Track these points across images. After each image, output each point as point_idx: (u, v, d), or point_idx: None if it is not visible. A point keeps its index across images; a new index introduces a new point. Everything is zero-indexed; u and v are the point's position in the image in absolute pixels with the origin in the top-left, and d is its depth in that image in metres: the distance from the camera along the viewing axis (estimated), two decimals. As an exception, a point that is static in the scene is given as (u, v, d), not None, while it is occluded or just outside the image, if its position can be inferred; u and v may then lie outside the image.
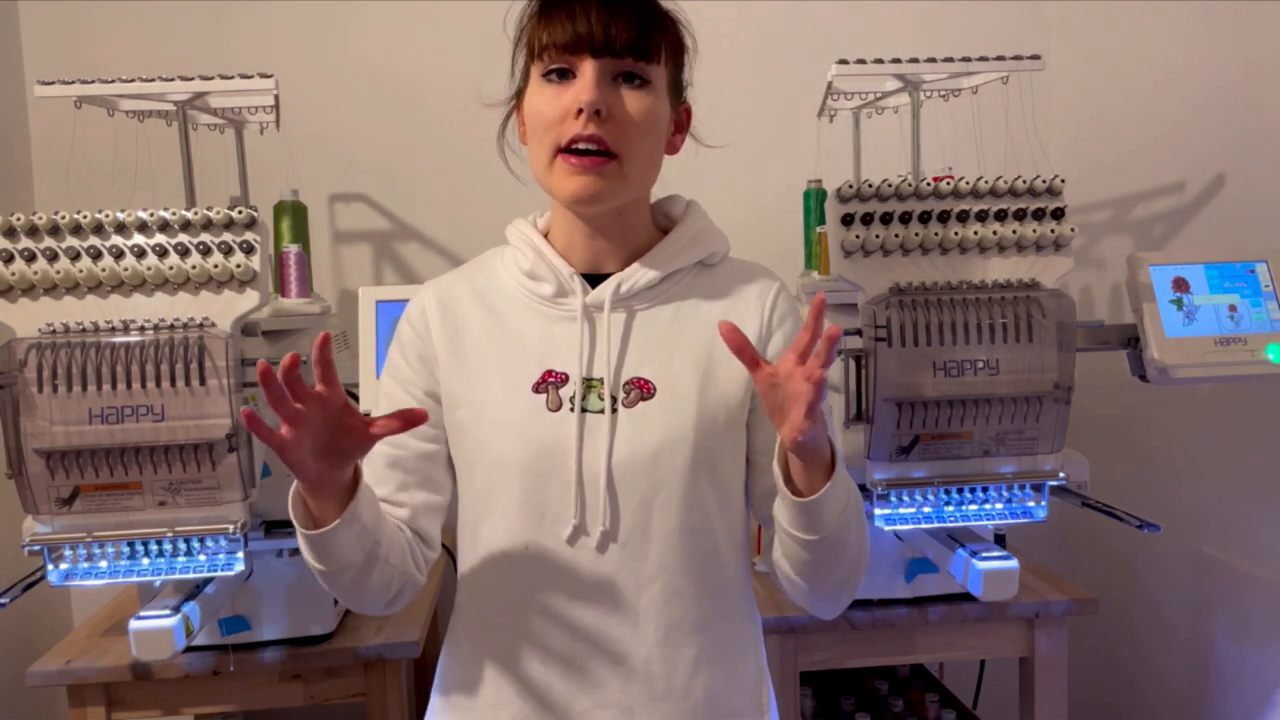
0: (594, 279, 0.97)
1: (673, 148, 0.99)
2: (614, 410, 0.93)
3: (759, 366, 0.83)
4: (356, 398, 1.43)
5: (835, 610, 0.99)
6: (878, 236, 1.35)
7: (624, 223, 0.97)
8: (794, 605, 1.30)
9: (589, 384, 0.94)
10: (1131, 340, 1.49)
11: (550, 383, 0.94)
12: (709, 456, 0.94)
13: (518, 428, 0.92)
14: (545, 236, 1.00)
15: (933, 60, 1.53)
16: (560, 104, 0.88)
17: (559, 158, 0.89)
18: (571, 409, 0.93)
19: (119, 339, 1.25)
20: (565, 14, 0.88)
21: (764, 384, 0.83)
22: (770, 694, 1.03)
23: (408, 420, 0.82)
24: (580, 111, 0.87)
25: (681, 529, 0.93)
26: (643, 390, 0.94)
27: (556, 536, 0.92)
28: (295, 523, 0.88)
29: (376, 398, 1.02)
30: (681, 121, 0.99)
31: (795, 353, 0.82)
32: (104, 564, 1.28)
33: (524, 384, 0.94)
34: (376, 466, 0.99)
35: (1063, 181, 1.40)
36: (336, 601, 1.58)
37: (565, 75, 0.89)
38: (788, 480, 0.88)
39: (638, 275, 0.96)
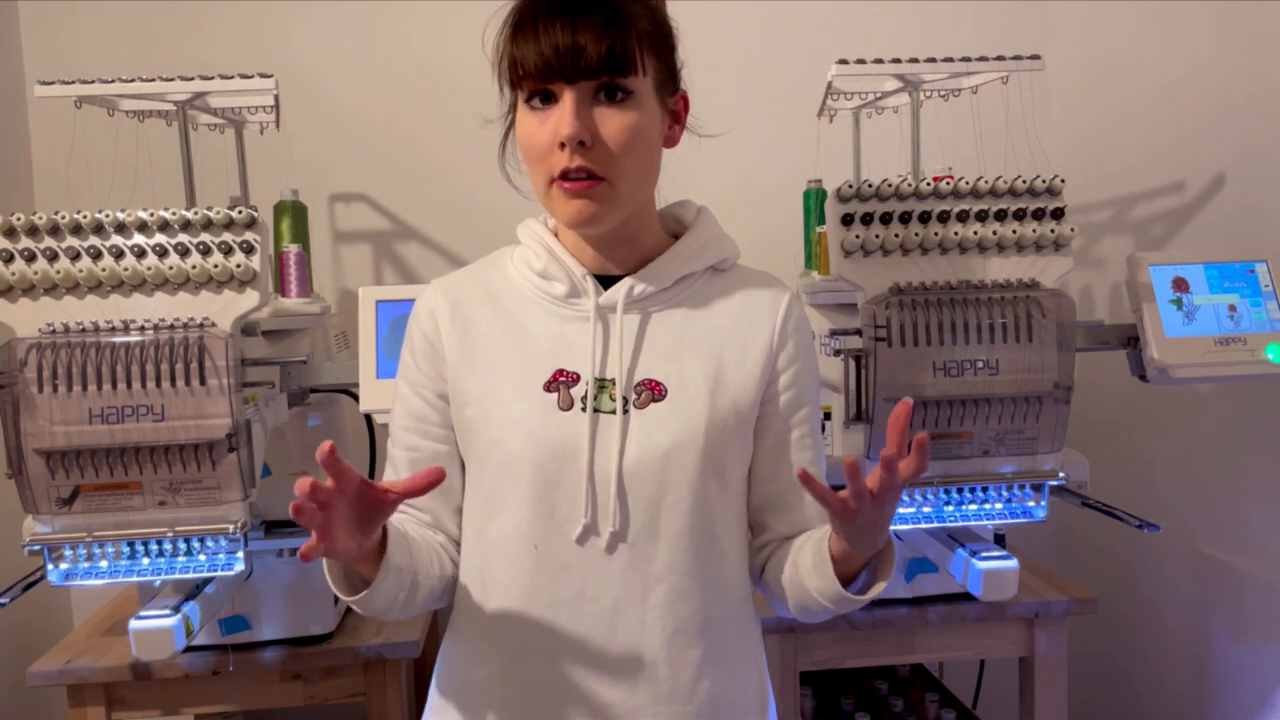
0: (604, 280, 0.98)
1: (670, 141, 0.98)
2: (625, 411, 0.93)
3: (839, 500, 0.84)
4: (356, 398, 1.43)
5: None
6: (878, 236, 1.35)
7: (629, 231, 0.97)
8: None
9: (601, 384, 0.94)
10: (1131, 340, 1.49)
11: (561, 382, 0.94)
12: (718, 459, 0.94)
13: (529, 426, 0.93)
14: (555, 236, 1.00)
15: (933, 60, 1.53)
16: (545, 134, 0.88)
17: (554, 185, 0.90)
18: (583, 409, 0.93)
19: (119, 339, 1.25)
20: (533, 37, 0.87)
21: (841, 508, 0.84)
22: (770, 696, 1.04)
23: (425, 483, 0.81)
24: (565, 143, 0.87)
25: (689, 530, 0.93)
26: (654, 392, 0.94)
27: (566, 536, 0.92)
28: (339, 593, 0.89)
29: (392, 400, 1.03)
30: (679, 112, 0.98)
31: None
32: (104, 564, 1.28)
33: (535, 383, 0.94)
34: (400, 470, 1.00)
35: (1062, 181, 1.40)
36: (336, 601, 1.58)
37: (548, 99, 0.89)
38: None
39: (650, 278, 0.97)
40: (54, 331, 1.26)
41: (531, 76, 0.87)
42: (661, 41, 0.94)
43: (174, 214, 1.29)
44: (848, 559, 0.91)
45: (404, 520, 0.99)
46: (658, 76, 0.93)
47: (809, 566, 0.94)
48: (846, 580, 0.92)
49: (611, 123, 0.88)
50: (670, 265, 0.98)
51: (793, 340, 0.99)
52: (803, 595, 0.96)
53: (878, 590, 0.92)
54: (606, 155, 0.88)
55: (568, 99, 0.87)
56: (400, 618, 0.97)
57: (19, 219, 1.27)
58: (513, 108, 0.95)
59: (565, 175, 0.88)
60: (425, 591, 0.96)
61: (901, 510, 1.38)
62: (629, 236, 0.97)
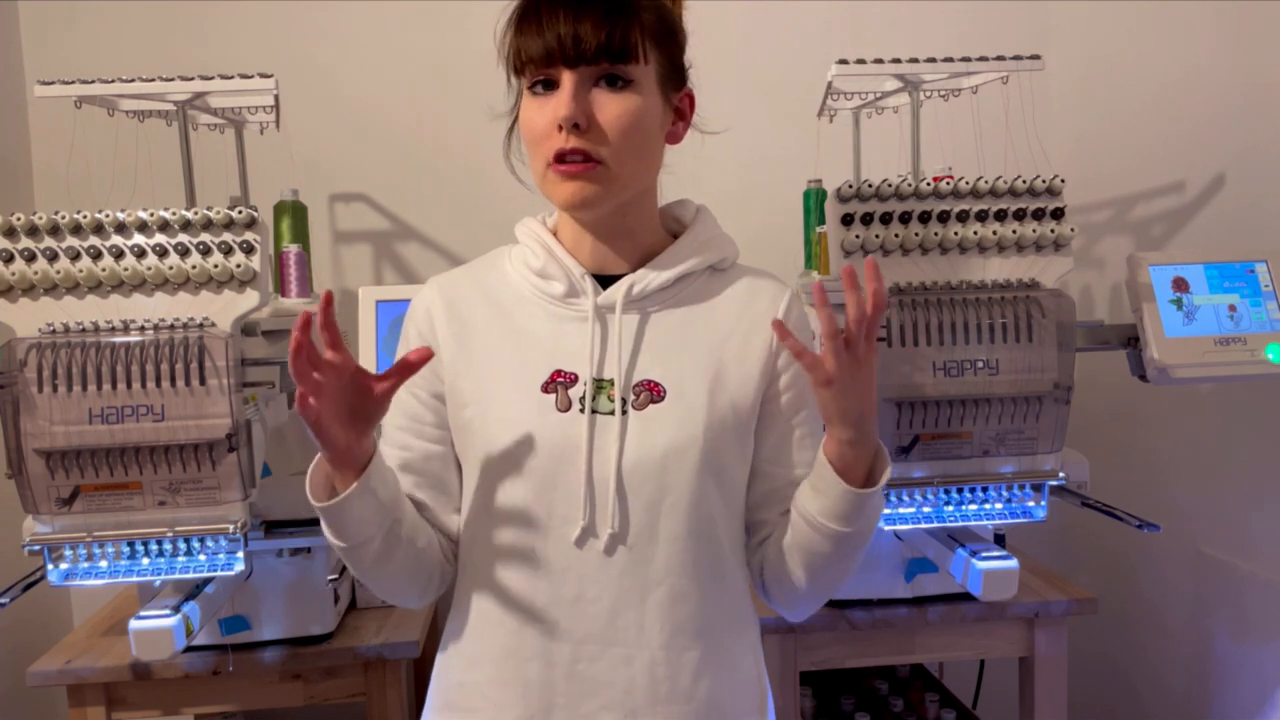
0: (602, 280, 0.97)
1: (673, 137, 0.98)
2: (624, 412, 0.93)
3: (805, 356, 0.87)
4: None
5: (810, 611, 1.03)
6: (878, 236, 1.35)
7: (628, 224, 0.97)
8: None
9: (599, 385, 0.94)
10: (1131, 340, 1.49)
11: (559, 383, 0.94)
12: (716, 460, 0.94)
13: (526, 427, 0.92)
14: (554, 235, 1.00)
15: (933, 60, 1.53)
16: (545, 117, 0.89)
17: (550, 168, 0.90)
18: (581, 409, 0.93)
19: (119, 339, 1.25)
20: (536, 26, 0.88)
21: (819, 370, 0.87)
22: (769, 696, 1.03)
23: (416, 358, 0.86)
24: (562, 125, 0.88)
25: (688, 533, 0.93)
26: (653, 393, 0.94)
27: (564, 538, 0.92)
28: (312, 498, 0.90)
29: None
30: (683, 109, 0.98)
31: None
32: (104, 564, 1.28)
33: (532, 383, 0.94)
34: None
35: (1062, 181, 1.40)
36: (337, 601, 1.58)
37: (550, 86, 0.90)
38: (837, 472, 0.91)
39: (649, 277, 0.96)
40: (54, 331, 1.26)
41: (534, 62, 0.89)
42: (667, 36, 0.94)
43: (174, 214, 1.29)
44: (844, 459, 0.90)
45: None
46: (661, 69, 0.93)
47: (808, 494, 0.93)
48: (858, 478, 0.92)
49: (610, 107, 0.89)
50: (670, 263, 0.97)
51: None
52: (809, 537, 0.94)
53: (885, 479, 0.91)
54: (602, 139, 0.89)
55: (567, 83, 0.88)
56: (374, 579, 0.95)
57: (19, 219, 1.27)
58: (519, 99, 0.95)
59: (561, 158, 0.89)
60: (407, 554, 0.94)
61: (902, 510, 1.38)
62: (628, 230, 0.97)
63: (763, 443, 0.99)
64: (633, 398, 0.93)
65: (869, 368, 0.88)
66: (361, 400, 0.86)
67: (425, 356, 0.86)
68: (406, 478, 0.99)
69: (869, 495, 0.90)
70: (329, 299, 0.82)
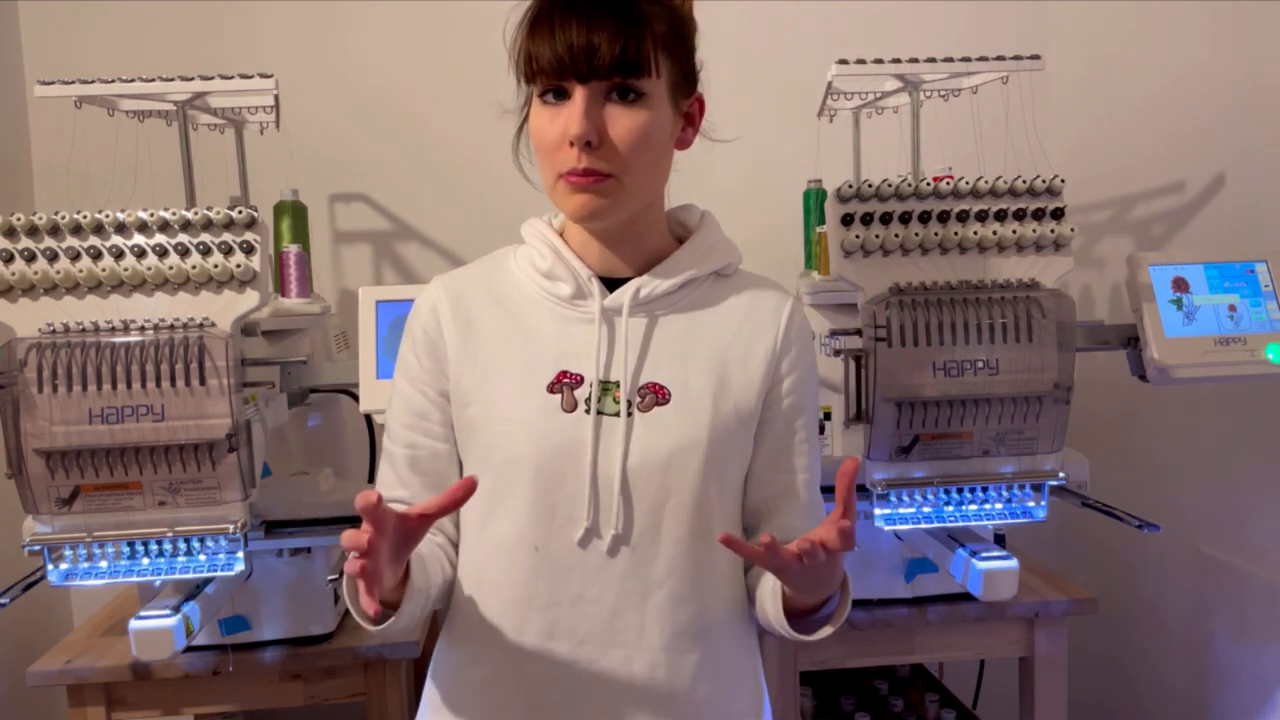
0: (608, 283, 0.98)
1: (683, 144, 0.98)
2: (629, 414, 0.93)
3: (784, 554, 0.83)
4: (356, 398, 1.43)
5: None
6: (878, 236, 1.35)
7: (636, 230, 0.97)
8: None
9: (605, 387, 0.94)
10: (1131, 340, 1.49)
11: (565, 383, 0.94)
12: (719, 464, 0.94)
13: (531, 427, 0.92)
14: (560, 236, 1.00)
15: (933, 60, 1.53)
16: (556, 130, 0.89)
17: (560, 180, 0.90)
18: (587, 410, 0.93)
19: (119, 339, 1.25)
20: (548, 35, 0.87)
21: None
22: (765, 699, 1.04)
23: (461, 496, 0.80)
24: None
25: (690, 535, 0.93)
26: (658, 396, 0.94)
27: (567, 538, 0.92)
28: (361, 620, 0.88)
29: (389, 397, 1.02)
30: (693, 115, 0.98)
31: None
32: (104, 564, 1.28)
33: (538, 383, 0.94)
34: (399, 467, 0.99)
35: (1062, 181, 1.40)
36: (336, 601, 1.58)
37: (561, 95, 0.89)
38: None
39: (656, 281, 0.97)
40: (54, 331, 1.26)
41: (545, 73, 0.88)
42: (678, 44, 0.93)
43: (174, 214, 1.29)
44: (797, 595, 0.91)
45: None
46: (671, 79, 0.92)
47: (768, 592, 0.95)
48: (809, 609, 0.93)
49: (621, 123, 0.88)
50: (676, 269, 0.97)
51: (795, 347, 0.99)
52: (764, 617, 0.97)
53: (823, 634, 0.93)
54: (614, 154, 0.89)
55: (579, 98, 0.87)
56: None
57: (19, 219, 1.27)
58: (528, 101, 0.95)
59: (572, 171, 0.89)
60: (434, 602, 0.96)
61: (901, 510, 1.38)
62: (635, 235, 0.97)
63: (760, 447, 0.99)
64: (638, 400, 0.94)
65: (830, 566, 0.86)
66: (404, 537, 0.80)
67: (471, 487, 0.79)
68: (416, 478, 0.99)
69: (806, 639, 0.93)
70: (379, 502, 0.74)
